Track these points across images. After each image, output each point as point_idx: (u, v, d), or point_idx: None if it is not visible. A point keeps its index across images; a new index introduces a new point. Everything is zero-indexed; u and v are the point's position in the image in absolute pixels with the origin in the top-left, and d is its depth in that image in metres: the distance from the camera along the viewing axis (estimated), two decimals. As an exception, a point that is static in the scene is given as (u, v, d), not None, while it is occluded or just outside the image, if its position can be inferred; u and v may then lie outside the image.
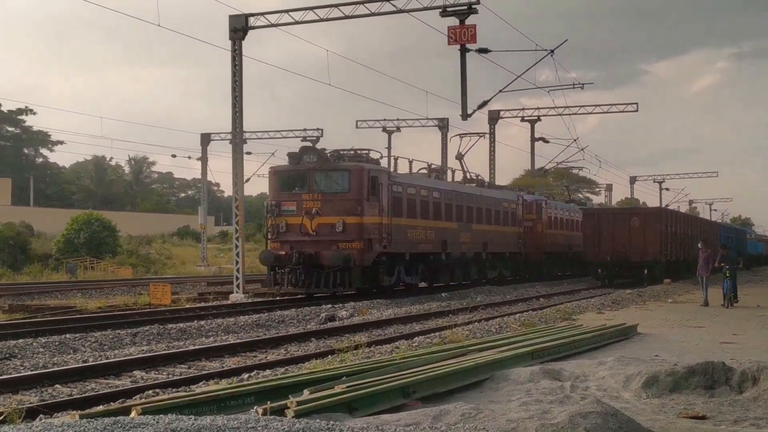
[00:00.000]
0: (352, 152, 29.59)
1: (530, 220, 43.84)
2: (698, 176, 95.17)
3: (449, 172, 38.04)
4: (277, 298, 29.44)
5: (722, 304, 25.33)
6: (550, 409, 8.29)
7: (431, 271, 33.34)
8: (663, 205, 77.19)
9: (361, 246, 27.45)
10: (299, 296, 28.98)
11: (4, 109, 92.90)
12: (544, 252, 45.08)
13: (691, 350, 14.84)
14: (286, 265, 27.56)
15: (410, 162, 34.62)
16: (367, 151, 29.80)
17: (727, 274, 25.55)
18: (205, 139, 61.32)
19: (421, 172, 34.99)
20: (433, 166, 35.78)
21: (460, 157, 39.01)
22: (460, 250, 34.97)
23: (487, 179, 43.47)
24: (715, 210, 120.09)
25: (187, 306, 26.31)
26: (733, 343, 16.14)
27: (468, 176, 39.51)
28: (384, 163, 34.23)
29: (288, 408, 8.00)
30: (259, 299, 29.35)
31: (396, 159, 33.79)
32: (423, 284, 33.71)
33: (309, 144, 45.93)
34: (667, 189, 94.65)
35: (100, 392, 11.60)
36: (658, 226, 40.68)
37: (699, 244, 27.86)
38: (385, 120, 56.52)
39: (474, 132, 39.91)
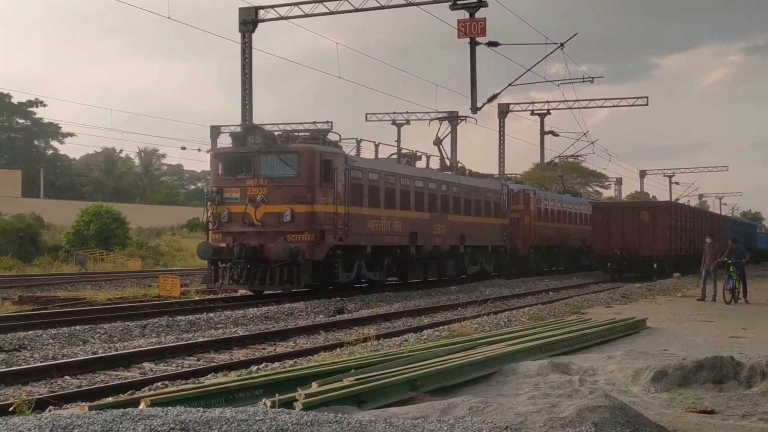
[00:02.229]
0: (307, 133, 27.22)
1: (517, 211, 41.51)
2: (708, 170, 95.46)
3: (424, 158, 34.53)
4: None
5: (725, 300, 24.58)
6: (559, 402, 8.29)
7: (399, 267, 30.68)
8: (673, 199, 77.01)
9: (311, 238, 24.48)
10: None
11: (15, 101, 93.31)
12: (532, 246, 42.95)
13: (700, 345, 14.82)
14: (228, 259, 24.89)
15: (376, 145, 31.88)
16: (324, 133, 27.43)
17: (731, 270, 24.92)
18: (215, 131, 61.30)
19: (391, 157, 32.52)
20: (404, 151, 33.03)
21: (438, 142, 36.78)
22: (433, 243, 32.11)
23: (475, 168, 40.47)
24: (725, 204, 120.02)
25: (197, 298, 26.33)
26: (742, 337, 16.11)
27: (447, 163, 37.27)
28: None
29: (296, 400, 8.01)
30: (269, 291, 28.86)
31: (359, 142, 30.32)
32: (394, 280, 31.36)
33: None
34: (677, 183, 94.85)
35: (110, 384, 11.65)
36: (668, 220, 40.66)
37: (707, 239, 27.32)
38: (394, 113, 56.50)
39: (460, 116, 39.17)
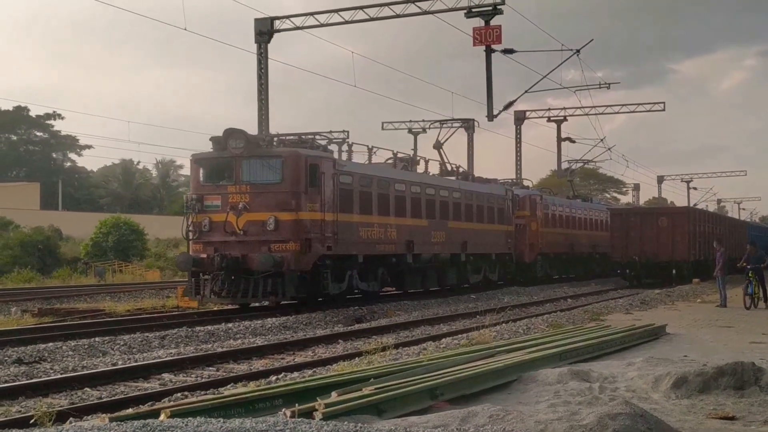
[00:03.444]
0: (295, 137, 25.89)
1: (522, 217, 40.00)
2: (726, 175, 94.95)
3: (422, 162, 32.98)
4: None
5: (744, 305, 24.31)
6: (579, 410, 8.26)
7: (395, 276, 29.12)
8: (691, 205, 76.66)
9: (297, 247, 23.02)
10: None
11: (33, 114, 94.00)
12: (539, 253, 41.55)
13: (721, 350, 14.73)
14: (209, 271, 23.53)
15: (369, 149, 29.82)
16: (312, 137, 26.13)
17: (750, 275, 24.68)
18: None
19: (388, 162, 30.70)
20: (400, 155, 31.16)
21: (438, 146, 35.35)
22: (432, 251, 30.56)
23: (477, 173, 39.71)
24: (744, 209, 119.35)
25: (215, 308, 26.35)
26: (762, 343, 16.00)
27: (448, 168, 35.54)
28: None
29: (316, 410, 8.02)
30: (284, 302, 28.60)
31: (350, 146, 28.57)
32: (391, 290, 30.19)
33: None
34: (695, 188, 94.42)
35: (130, 395, 11.68)
36: (686, 225, 40.50)
37: (714, 244, 27.11)
38: (410, 121, 56.41)
39: (456, 118, 38.82)
